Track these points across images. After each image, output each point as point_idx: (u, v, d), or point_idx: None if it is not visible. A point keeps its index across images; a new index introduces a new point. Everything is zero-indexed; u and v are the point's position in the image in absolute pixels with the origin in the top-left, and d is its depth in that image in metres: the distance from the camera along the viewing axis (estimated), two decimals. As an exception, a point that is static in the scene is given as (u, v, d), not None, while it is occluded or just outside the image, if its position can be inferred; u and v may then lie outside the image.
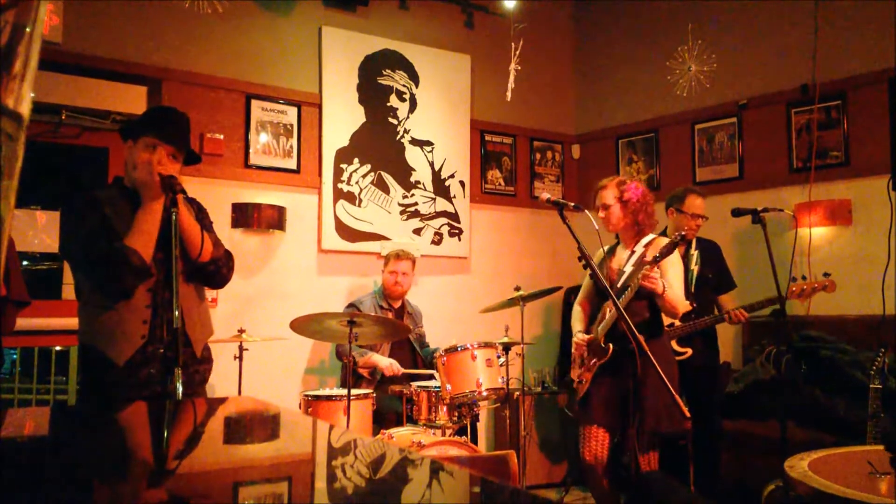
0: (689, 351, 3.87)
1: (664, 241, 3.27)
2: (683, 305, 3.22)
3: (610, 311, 3.16)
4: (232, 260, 2.57)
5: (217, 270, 2.49)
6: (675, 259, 3.21)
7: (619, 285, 3.18)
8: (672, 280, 3.15)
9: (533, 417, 4.94)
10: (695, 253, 4.08)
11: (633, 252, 3.27)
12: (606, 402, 3.18)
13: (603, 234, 3.19)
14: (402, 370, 4.20)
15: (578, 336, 3.36)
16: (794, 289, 3.66)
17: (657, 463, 3.20)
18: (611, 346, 3.13)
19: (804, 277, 3.68)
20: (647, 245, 3.25)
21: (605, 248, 3.38)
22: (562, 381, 5.29)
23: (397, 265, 4.50)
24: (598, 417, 3.20)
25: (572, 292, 4.62)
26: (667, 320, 3.79)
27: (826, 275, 3.71)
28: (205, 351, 2.51)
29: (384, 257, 4.61)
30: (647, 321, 3.18)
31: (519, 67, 4.53)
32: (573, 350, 3.39)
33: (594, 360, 3.23)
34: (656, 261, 2.98)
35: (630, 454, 3.11)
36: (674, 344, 3.84)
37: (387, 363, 4.21)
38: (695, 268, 4.06)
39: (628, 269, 3.23)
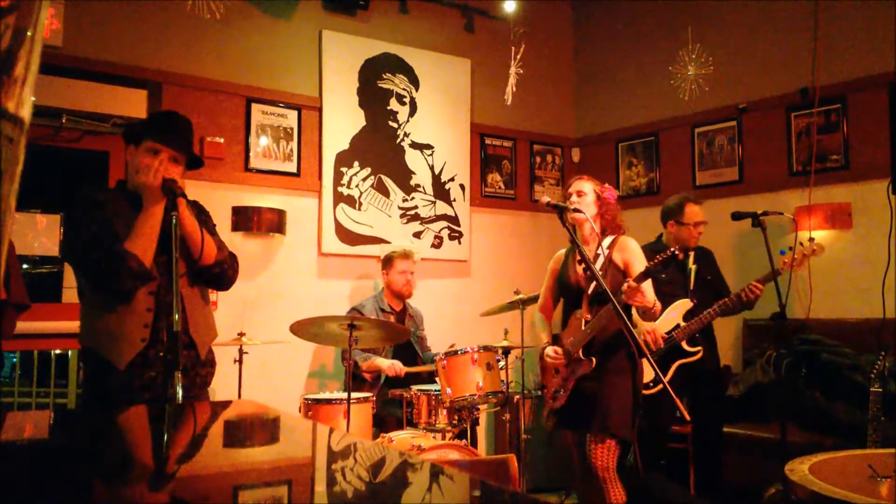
0: (701, 349, 3.82)
1: (629, 241, 3.22)
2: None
3: (586, 321, 3.11)
4: (236, 262, 2.57)
5: (223, 273, 2.50)
6: (641, 258, 3.16)
7: (588, 291, 3.12)
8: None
9: (533, 421, 4.93)
10: (691, 253, 4.05)
11: (597, 254, 3.18)
12: (578, 408, 3.16)
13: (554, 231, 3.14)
14: (405, 369, 4.19)
15: (551, 349, 3.23)
16: (785, 260, 3.65)
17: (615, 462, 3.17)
18: (594, 359, 3.08)
19: (791, 248, 3.65)
20: (610, 246, 3.19)
21: (565, 250, 3.37)
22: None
23: (406, 264, 4.50)
24: (574, 423, 3.21)
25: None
26: (672, 322, 3.78)
27: (811, 239, 3.68)
28: (208, 354, 2.51)
29: (385, 260, 4.58)
30: (620, 331, 3.15)
31: (521, 71, 4.53)
32: (545, 361, 3.27)
33: (573, 371, 3.16)
34: (643, 278, 2.92)
35: (632, 455, 3.12)
36: (684, 344, 3.81)
37: (388, 364, 4.21)
38: (693, 266, 4.04)
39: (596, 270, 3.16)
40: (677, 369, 3.77)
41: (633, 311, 3.20)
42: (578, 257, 3.14)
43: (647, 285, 2.99)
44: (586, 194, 3.22)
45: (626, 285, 2.89)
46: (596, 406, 3.09)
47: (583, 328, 3.11)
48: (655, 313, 3.10)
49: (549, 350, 3.24)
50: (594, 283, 3.12)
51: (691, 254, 4.04)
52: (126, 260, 2.24)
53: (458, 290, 5.43)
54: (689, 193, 4.30)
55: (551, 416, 3.31)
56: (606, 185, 3.31)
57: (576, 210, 3.10)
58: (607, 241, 3.21)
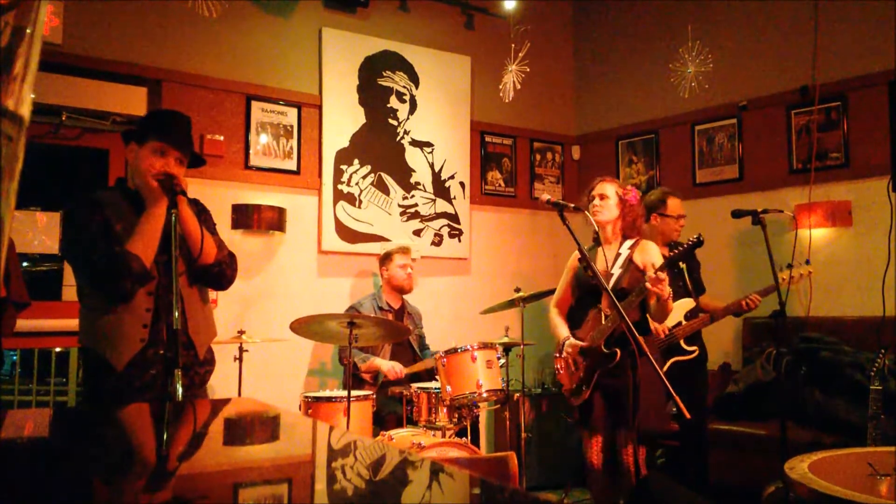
0: (697, 349, 3.85)
1: (650, 244, 3.31)
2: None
3: (606, 315, 3.16)
4: (235, 261, 2.57)
5: (222, 272, 2.49)
6: (659, 259, 3.22)
7: (609, 288, 3.15)
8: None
9: (533, 419, 4.94)
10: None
11: (618, 254, 3.27)
12: (608, 405, 3.20)
13: (582, 232, 3.13)
14: (405, 370, 4.20)
15: (571, 343, 3.29)
16: (784, 276, 3.67)
17: (644, 460, 3.24)
18: (618, 351, 3.11)
19: (790, 266, 3.67)
20: (631, 247, 3.27)
21: (587, 248, 3.35)
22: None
23: (405, 258, 4.52)
24: (602, 421, 3.21)
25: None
26: (673, 319, 3.78)
27: (807, 262, 3.69)
28: (207, 353, 2.51)
29: (383, 256, 4.59)
30: (638, 323, 3.19)
31: (528, 69, 4.52)
32: (564, 356, 3.33)
33: (595, 366, 3.20)
34: (670, 263, 3.01)
35: (630, 453, 3.13)
36: (682, 343, 3.83)
37: (388, 366, 4.21)
38: (684, 266, 4.05)
39: (616, 271, 3.23)
40: (671, 367, 3.77)
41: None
42: (598, 257, 3.22)
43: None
44: (608, 198, 3.28)
45: (650, 272, 2.95)
46: (626, 404, 3.07)
47: (604, 322, 3.17)
48: (667, 310, 3.12)
49: (570, 343, 3.28)
50: (614, 280, 3.20)
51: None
52: (128, 262, 2.24)
53: (458, 288, 5.43)
54: (666, 188, 4.35)
55: (575, 412, 3.35)
56: (629, 186, 3.36)
57: (575, 208, 3.12)
58: (629, 242, 3.29)
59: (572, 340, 3.29)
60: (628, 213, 3.29)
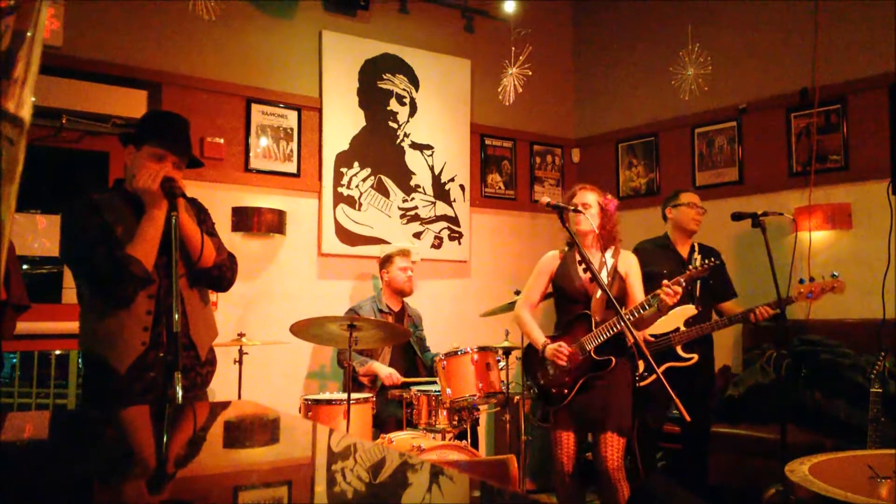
0: (696, 357, 3.79)
1: (630, 254, 3.34)
2: None
3: (597, 322, 3.14)
4: (235, 263, 2.57)
5: (221, 275, 2.49)
6: (637, 268, 3.27)
7: (597, 296, 3.16)
8: (638, 293, 3.21)
9: (533, 421, 4.93)
10: (697, 257, 4.02)
11: (602, 262, 3.24)
12: (586, 408, 3.18)
13: (577, 235, 3.18)
14: (402, 379, 4.18)
15: (556, 347, 3.17)
16: (801, 290, 3.63)
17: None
18: (613, 358, 3.10)
19: (812, 279, 3.64)
20: (614, 255, 3.28)
21: (557, 252, 3.38)
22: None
23: (406, 261, 4.52)
24: (579, 422, 3.22)
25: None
26: (671, 325, 3.77)
27: (833, 275, 3.67)
28: (209, 354, 2.51)
29: (384, 259, 4.58)
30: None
31: (529, 73, 4.52)
32: (552, 358, 3.20)
33: (583, 371, 3.16)
34: (688, 280, 3.05)
35: (619, 456, 3.13)
36: (679, 349, 3.80)
37: (386, 373, 4.19)
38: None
39: (605, 279, 3.17)
40: (666, 372, 3.74)
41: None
42: (579, 259, 3.17)
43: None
44: (591, 206, 3.25)
45: (667, 283, 2.95)
46: (608, 407, 3.13)
47: (594, 329, 3.15)
48: (654, 320, 3.15)
49: (553, 348, 3.19)
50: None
51: (696, 258, 3.97)
52: (129, 266, 2.23)
53: (457, 291, 5.42)
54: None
55: (553, 414, 3.32)
56: (608, 195, 3.36)
57: (575, 210, 3.12)
58: (611, 250, 3.28)
59: (554, 345, 3.19)
60: (608, 222, 3.27)
